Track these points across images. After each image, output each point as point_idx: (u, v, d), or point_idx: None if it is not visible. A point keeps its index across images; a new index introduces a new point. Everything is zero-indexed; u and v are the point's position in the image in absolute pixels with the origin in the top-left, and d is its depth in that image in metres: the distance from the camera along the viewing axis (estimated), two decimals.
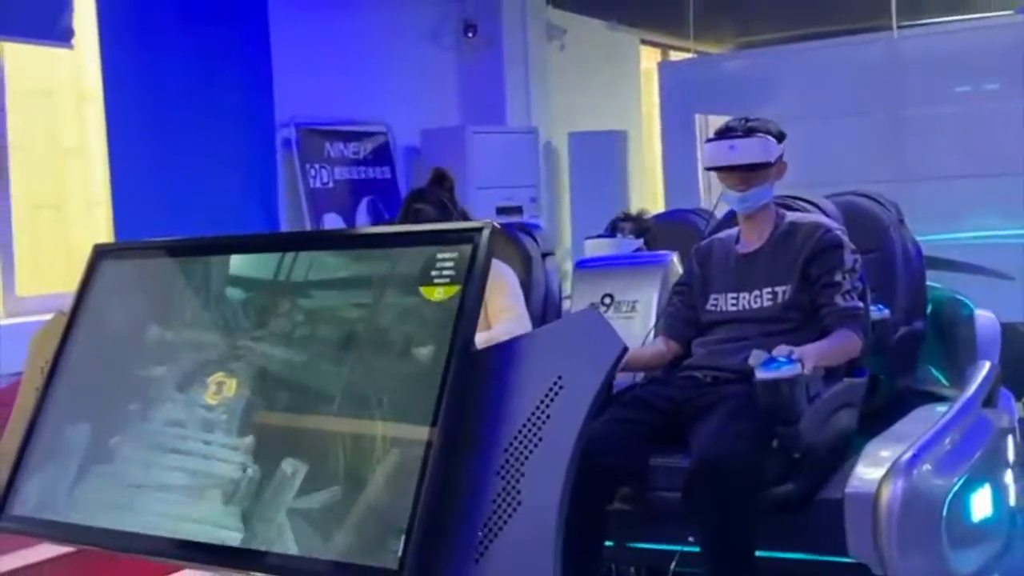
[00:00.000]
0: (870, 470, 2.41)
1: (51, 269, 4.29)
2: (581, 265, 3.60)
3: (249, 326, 1.63)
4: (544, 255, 3.71)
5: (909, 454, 2.39)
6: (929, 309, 3.40)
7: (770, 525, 2.36)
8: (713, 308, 2.82)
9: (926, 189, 5.61)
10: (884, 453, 2.47)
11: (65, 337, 1.84)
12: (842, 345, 2.63)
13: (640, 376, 2.92)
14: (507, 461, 1.36)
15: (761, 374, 2.36)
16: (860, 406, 2.71)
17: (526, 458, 1.36)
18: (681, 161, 7.32)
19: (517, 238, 3.67)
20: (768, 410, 2.37)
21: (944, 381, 3.44)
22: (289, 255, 1.67)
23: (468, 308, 1.43)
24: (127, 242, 1.91)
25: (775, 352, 2.41)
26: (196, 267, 1.76)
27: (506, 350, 1.43)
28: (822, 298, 2.67)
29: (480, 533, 1.33)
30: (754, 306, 2.76)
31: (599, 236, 4.26)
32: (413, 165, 6.12)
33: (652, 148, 8.39)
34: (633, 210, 4.54)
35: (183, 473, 1.58)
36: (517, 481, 1.35)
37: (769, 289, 2.74)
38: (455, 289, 1.45)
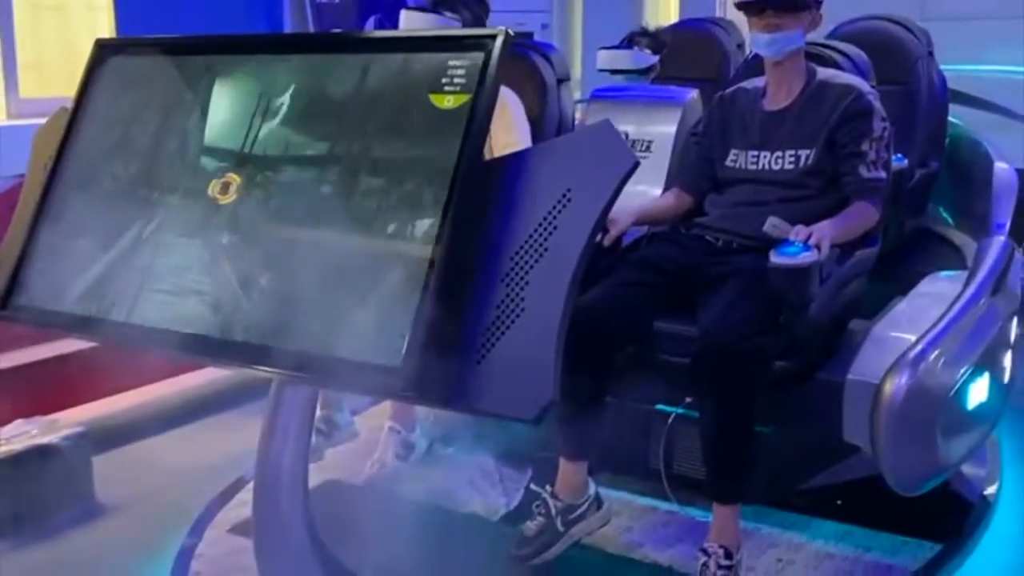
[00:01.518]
0: (875, 359, 2.40)
1: (53, 71, 4.22)
2: (596, 95, 3.44)
3: (257, 129, 1.62)
4: (559, 81, 3.56)
5: (917, 348, 2.38)
6: (947, 145, 3.34)
7: (768, 399, 2.38)
8: (732, 164, 2.73)
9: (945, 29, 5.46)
10: (890, 341, 2.45)
11: (68, 133, 1.83)
12: (860, 219, 2.56)
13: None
14: (512, 269, 1.38)
15: (776, 259, 2.30)
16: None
17: (531, 267, 1.38)
18: None
19: (531, 61, 3.52)
20: (779, 294, 2.34)
21: (951, 222, 3.42)
22: (298, 58, 1.65)
23: (478, 117, 1.41)
24: (131, 38, 1.87)
25: (792, 235, 2.34)
26: (201, 66, 1.73)
27: (516, 161, 1.43)
28: (845, 166, 2.58)
29: (482, 337, 1.36)
30: (775, 167, 2.66)
31: (614, 47, 4.10)
32: None
33: None
34: (650, 26, 4.38)
35: (192, 272, 1.60)
36: (521, 289, 1.37)
37: (792, 152, 2.64)
38: (466, 97, 1.44)
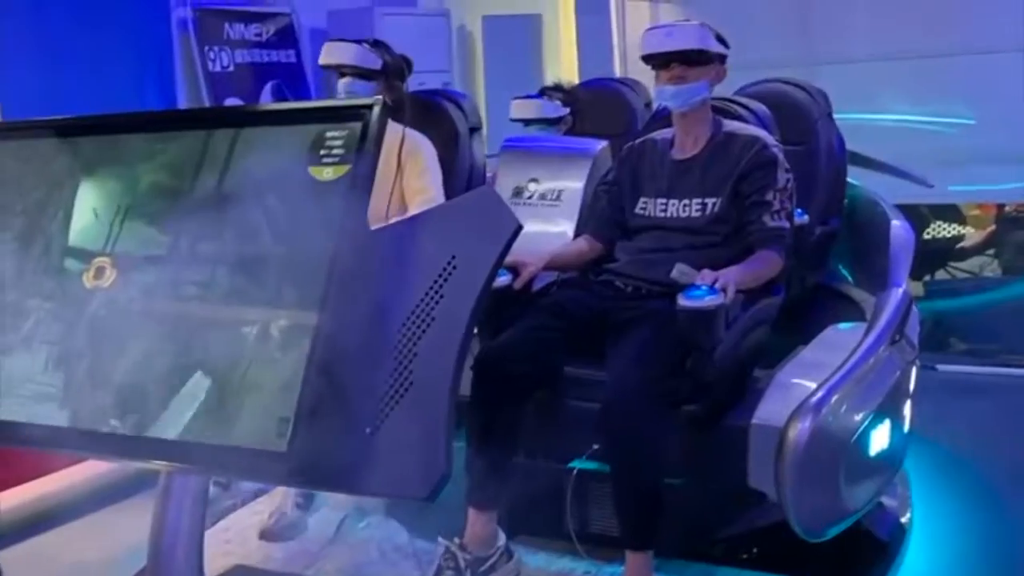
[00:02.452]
0: (779, 404, 2.42)
1: None
2: (508, 145, 3.41)
3: (129, 209, 1.56)
4: (471, 130, 3.54)
5: (819, 394, 2.39)
6: (846, 204, 3.42)
7: (676, 444, 2.38)
8: (641, 212, 2.75)
9: (833, 73, 5.61)
10: (794, 387, 2.47)
11: None
12: (765, 267, 2.60)
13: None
14: (400, 341, 1.34)
15: (684, 302, 2.33)
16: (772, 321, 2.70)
17: (419, 337, 1.34)
18: (596, 45, 7.23)
19: (442, 108, 3.49)
20: (687, 337, 2.36)
21: (850, 279, 3.49)
22: (174, 135, 1.60)
23: (358, 187, 1.38)
24: (3, 122, 1.80)
25: (699, 279, 2.36)
26: (69, 149, 1.67)
27: (400, 230, 1.40)
28: (750, 215, 2.62)
29: (371, 415, 1.32)
30: (683, 215, 2.69)
31: (527, 97, 4.12)
32: (319, 48, 5.94)
33: (568, 31, 8.27)
34: (562, 82, 4.41)
35: (67, 362, 1.53)
36: (410, 361, 1.34)
37: (700, 200, 2.67)
38: (345, 168, 1.41)
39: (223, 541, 2.83)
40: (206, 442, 1.38)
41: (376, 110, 1.41)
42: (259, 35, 5.54)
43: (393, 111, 3.28)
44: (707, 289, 2.33)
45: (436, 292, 1.35)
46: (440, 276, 1.35)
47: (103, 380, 1.49)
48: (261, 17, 5.56)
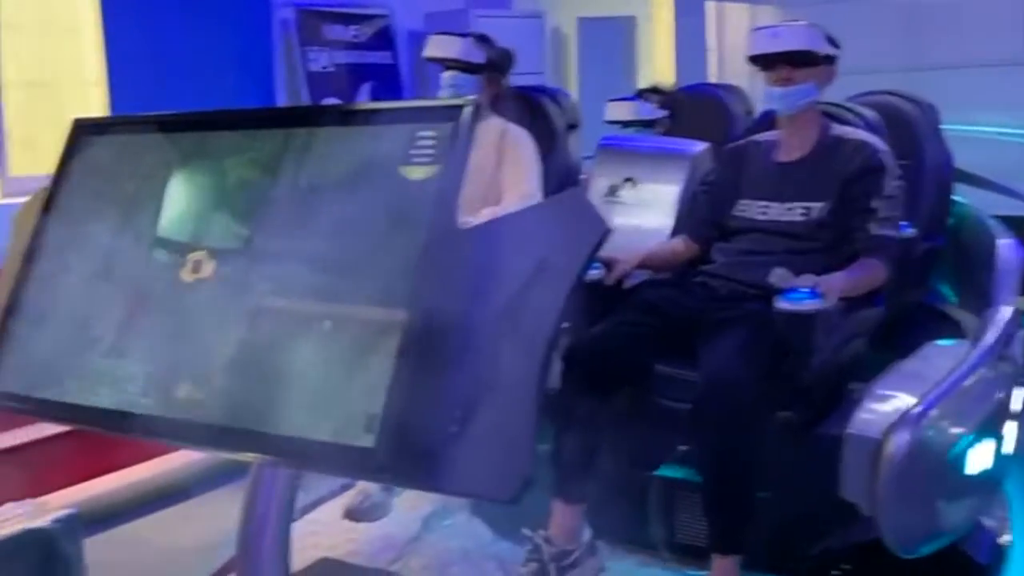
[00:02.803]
0: (877, 415, 2.35)
1: (45, 149, 4.23)
2: (605, 143, 3.40)
3: (226, 206, 1.59)
4: (569, 127, 3.52)
5: (919, 407, 2.32)
6: (951, 222, 3.31)
7: (768, 451, 2.34)
8: (740, 214, 2.70)
9: (941, 79, 5.46)
10: (893, 398, 2.40)
11: (45, 214, 1.81)
12: (868, 276, 2.53)
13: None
14: (487, 341, 1.34)
15: (782, 304, 2.28)
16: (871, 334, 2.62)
17: (505, 339, 1.34)
18: (692, 48, 7.16)
19: (540, 104, 3.48)
20: (784, 340, 2.31)
21: (952, 299, 3.38)
22: (269, 133, 1.63)
23: (448, 188, 1.39)
24: (108, 117, 1.86)
25: (799, 282, 2.31)
26: (171, 145, 1.71)
27: (489, 231, 1.40)
28: (856, 222, 2.55)
29: (456, 414, 1.32)
30: (784, 219, 2.63)
31: (623, 99, 4.09)
32: (415, 50, 6.00)
33: (663, 34, 8.20)
34: (661, 85, 4.36)
35: (163, 353, 1.56)
36: (496, 362, 1.33)
37: (803, 204, 2.61)
38: (435, 169, 1.41)
39: (309, 532, 2.87)
40: (295, 435, 1.40)
41: (468, 111, 1.41)
42: (357, 36, 5.62)
43: (494, 104, 3.31)
44: (807, 292, 2.28)
45: (523, 293, 1.34)
46: (528, 277, 1.34)
47: (197, 371, 1.52)
48: (359, 18, 5.64)
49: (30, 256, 1.79)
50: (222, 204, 1.62)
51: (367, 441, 1.32)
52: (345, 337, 1.40)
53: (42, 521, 3.03)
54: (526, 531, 2.45)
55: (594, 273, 2.56)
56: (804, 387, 2.37)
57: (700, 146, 3.21)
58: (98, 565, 2.98)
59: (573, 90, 7.27)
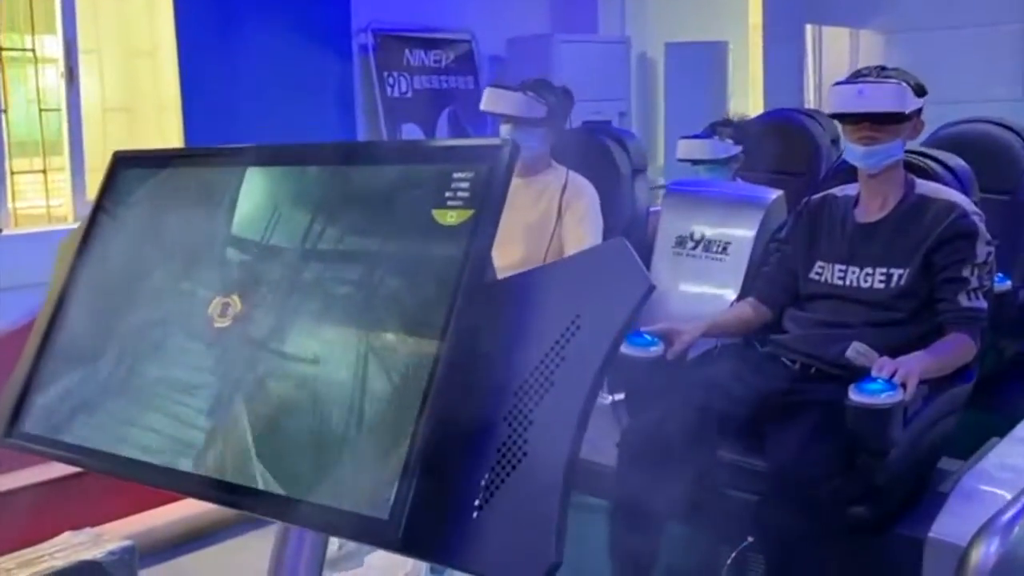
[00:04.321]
0: (962, 517, 2.15)
1: None
2: (673, 188, 3.29)
3: (256, 249, 1.51)
4: (635, 171, 3.42)
5: (1011, 510, 2.11)
6: None
7: (839, 549, 2.17)
8: (816, 278, 2.52)
9: None
10: (982, 496, 2.20)
11: (81, 249, 1.76)
12: (956, 353, 2.32)
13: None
14: (515, 406, 1.22)
15: (856, 398, 2.10)
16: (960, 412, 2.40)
17: (536, 404, 1.21)
18: (785, 76, 6.96)
19: (606, 148, 3.38)
20: (857, 436, 2.13)
21: None
22: (305, 169, 1.54)
23: (480, 236, 1.27)
24: (146, 150, 1.80)
25: (875, 369, 2.12)
26: (208, 180, 1.64)
27: (522, 283, 1.28)
28: (943, 292, 2.35)
29: (479, 487, 1.20)
30: (864, 285, 2.45)
31: (694, 136, 3.95)
32: (498, 75, 5.91)
33: (756, 60, 8.00)
34: (733, 116, 4.20)
35: (183, 402, 1.48)
36: (524, 429, 1.21)
37: (884, 269, 2.42)
38: (469, 213, 1.30)
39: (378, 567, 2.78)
40: (312, 500, 1.29)
41: (505, 152, 1.30)
42: (438, 61, 5.57)
43: (554, 150, 3.22)
44: (883, 383, 2.09)
45: (557, 354, 1.22)
46: (562, 336, 1.22)
47: (219, 424, 1.43)
48: (441, 43, 5.59)
49: (64, 291, 1.74)
50: (252, 244, 1.53)
51: (381, 512, 1.22)
52: (365, 395, 1.30)
53: (98, 552, 3.01)
54: None
55: (654, 350, 2.41)
56: (881, 483, 2.18)
57: (773, 194, 3.04)
58: None
59: (659, 117, 7.11)
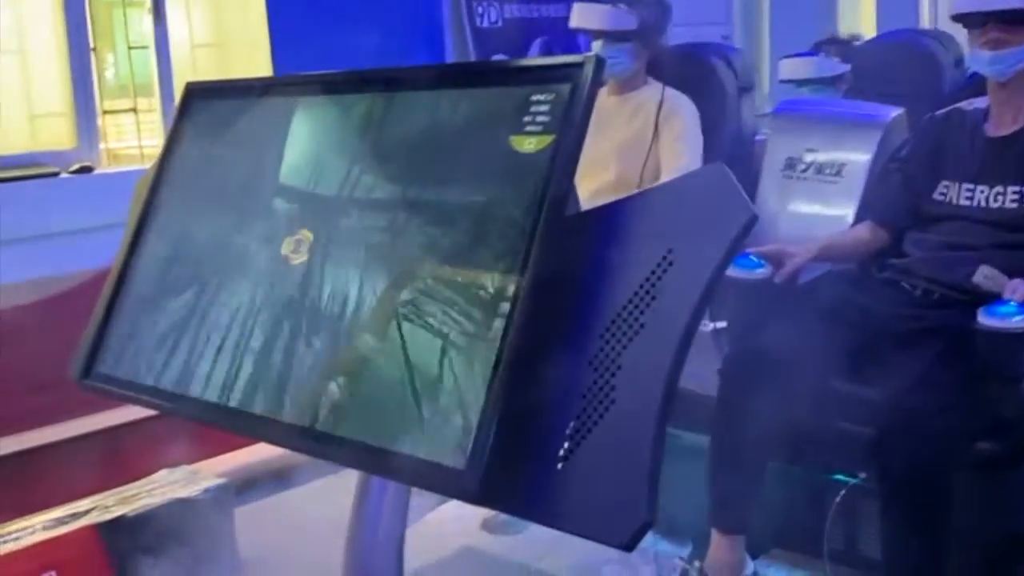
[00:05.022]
0: None
1: None
2: (781, 109, 3.10)
3: (327, 181, 1.43)
4: (741, 90, 3.25)
5: None
6: None
7: (964, 485, 2.02)
8: (941, 198, 2.35)
9: None
10: None
11: (155, 186, 1.71)
12: None
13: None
14: (602, 350, 1.12)
15: (985, 321, 1.96)
16: None
17: (624, 347, 1.11)
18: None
19: (709, 64, 3.22)
20: (987, 362, 1.98)
21: None
22: (377, 97, 1.45)
23: (562, 163, 1.16)
24: (218, 80, 1.73)
25: (1007, 292, 1.97)
26: (277, 109, 1.56)
27: (606, 214, 1.17)
28: None
29: (564, 436, 1.10)
30: (993, 205, 2.27)
31: (798, 55, 3.72)
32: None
33: None
34: (841, 34, 3.94)
35: (256, 342, 1.42)
36: (612, 375, 1.10)
37: (1017, 188, 2.24)
38: (549, 139, 1.19)
39: (455, 518, 2.73)
40: (389, 448, 1.22)
41: (588, 69, 1.18)
42: None
43: (652, 68, 3.06)
44: (1016, 306, 1.94)
45: (647, 292, 1.11)
46: (653, 273, 1.11)
47: (294, 367, 1.36)
48: None
49: (139, 230, 1.70)
50: (325, 176, 1.45)
51: (458, 462, 1.13)
52: (441, 338, 1.21)
53: (194, 490, 3.03)
54: (679, 561, 2.21)
55: (761, 272, 2.25)
56: (1011, 416, 2.01)
57: (893, 112, 2.82)
58: (248, 535, 2.96)
59: (764, 41, 6.82)
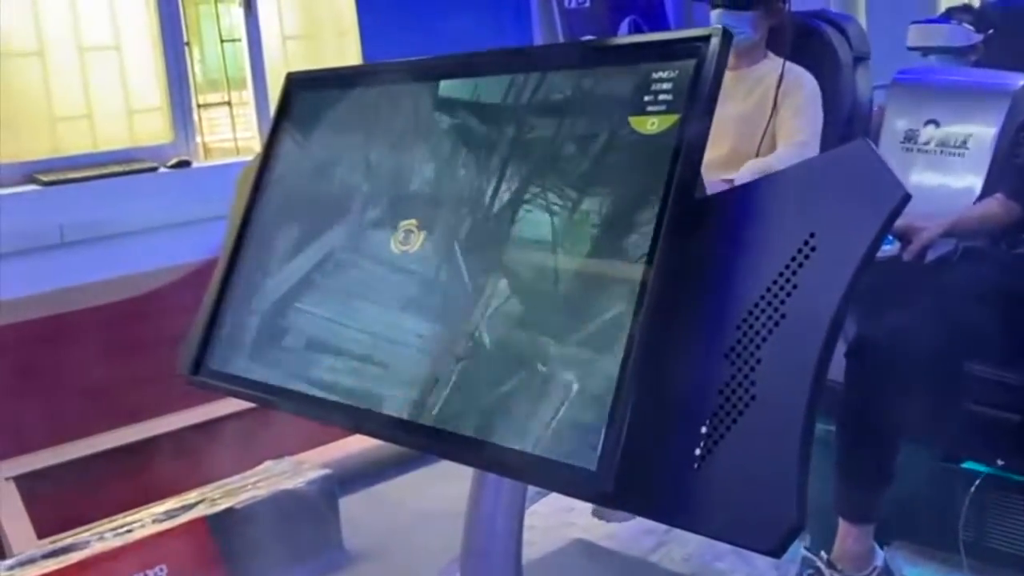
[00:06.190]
0: None
1: None
2: (901, 78, 2.94)
3: (441, 164, 1.38)
4: (856, 59, 3.10)
5: None
6: None
7: None
8: None
9: None
10: None
11: (259, 178, 1.68)
12: None
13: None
14: (739, 342, 1.05)
15: None
16: None
17: (764, 339, 1.03)
18: None
19: (822, 34, 3.08)
20: None
21: None
22: (489, 81, 1.39)
23: (687, 145, 1.09)
24: (320, 69, 1.69)
25: None
26: (384, 97, 1.52)
27: (742, 197, 1.09)
28: None
29: (701, 434, 1.04)
30: None
31: (929, 21, 3.53)
32: None
33: None
34: (974, 1, 3.74)
35: (366, 335, 1.38)
36: (751, 369, 1.03)
37: None
38: (673, 119, 1.12)
39: (564, 509, 2.68)
40: (509, 446, 1.16)
41: (715, 43, 1.11)
42: None
43: (771, 40, 2.91)
44: None
45: (788, 281, 1.03)
46: (794, 259, 1.03)
47: (405, 363, 1.32)
48: None
49: (244, 223, 1.67)
50: (435, 164, 1.40)
51: (588, 462, 1.07)
52: (565, 330, 1.15)
53: (299, 481, 3.04)
54: (805, 550, 2.12)
55: (887, 249, 2.14)
56: None
57: (1021, 79, 2.66)
58: (353, 524, 2.95)
59: (860, 12, 6.59)
